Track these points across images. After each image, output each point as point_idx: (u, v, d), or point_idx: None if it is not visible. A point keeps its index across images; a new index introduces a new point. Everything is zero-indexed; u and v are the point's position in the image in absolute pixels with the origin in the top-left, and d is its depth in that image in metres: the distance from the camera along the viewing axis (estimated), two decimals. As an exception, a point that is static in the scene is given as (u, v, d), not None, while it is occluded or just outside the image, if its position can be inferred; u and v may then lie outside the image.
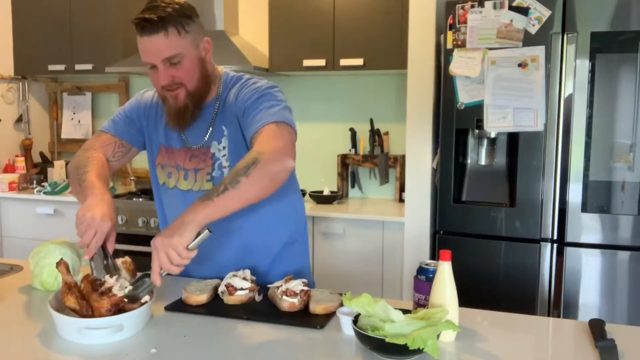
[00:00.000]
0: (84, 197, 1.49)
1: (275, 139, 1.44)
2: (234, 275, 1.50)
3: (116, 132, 1.71)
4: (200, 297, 1.46)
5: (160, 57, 1.48)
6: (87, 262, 1.45)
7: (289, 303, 1.40)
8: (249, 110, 1.54)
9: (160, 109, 1.69)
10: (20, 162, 3.90)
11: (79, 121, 4.17)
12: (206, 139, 1.63)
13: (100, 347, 1.22)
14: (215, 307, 1.45)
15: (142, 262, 1.57)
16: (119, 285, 1.33)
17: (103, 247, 1.43)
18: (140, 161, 4.02)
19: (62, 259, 1.38)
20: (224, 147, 1.61)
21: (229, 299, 1.46)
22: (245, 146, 1.58)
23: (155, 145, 1.72)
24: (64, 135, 4.23)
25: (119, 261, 1.48)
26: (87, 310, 1.29)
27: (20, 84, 4.06)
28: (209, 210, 1.31)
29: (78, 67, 3.73)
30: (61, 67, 3.78)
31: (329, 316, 1.38)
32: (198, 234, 1.30)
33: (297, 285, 1.43)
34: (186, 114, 1.56)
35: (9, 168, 3.88)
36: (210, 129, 1.62)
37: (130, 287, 1.34)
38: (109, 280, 1.35)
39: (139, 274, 1.42)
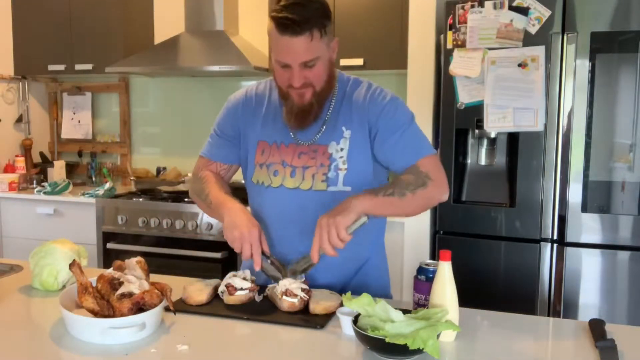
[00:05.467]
0: (220, 216, 1.56)
1: (440, 171, 1.54)
2: (234, 275, 1.50)
3: (211, 155, 1.71)
4: (200, 297, 1.46)
5: (299, 59, 1.42)
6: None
7: (289, 303, 1.40)
8: (395, 133, 1.53)
9: (258, 105, 1.64)
10: (20, 162, 3.90)
11: (79, 121, 4.17)
12: (319, 137, 1.56)
13: (99, 348, 1.22)
14: (215, 307, 1.45)
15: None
16: (138, 285, 1.33)
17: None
18: (140, 162, 4.02)
19: (74, 260, 1.37)
20: (342, 149, 1.54)
21: (229, 299, 1.46)
22: (369, 155, 1.55)
23: (252, 144, 1.64)
24: (64, 135, 4.22)
25: (134, 261, 1.47)
26: (108, 311, 1.28)
27: (20, 84, 4.06)
28: (372, 203, 1.41)
29: (78, 67, 3.73)
30: (61, 67, 3.77)
31: (329, 316, 1.38)
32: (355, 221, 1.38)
33: (297, 285, 1.43)
34: (310, 114, 1.52)
35: (9, 168, 3.88)
36: (324, 127, 1.56)
37: (292, 264, 1.47)
38: (131, 279, 1.35)
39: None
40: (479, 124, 2.54)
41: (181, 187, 3.45)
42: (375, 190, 1.44)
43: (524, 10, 2.44)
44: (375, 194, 1.43)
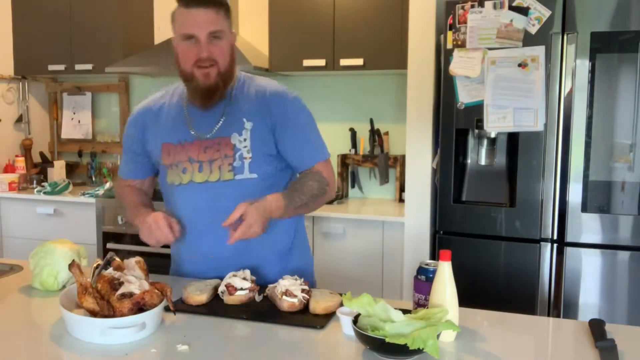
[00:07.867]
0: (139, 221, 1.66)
1: (333, 174, 1.75)
2: (234, 275, 1.50)
3: (122, 174, 1.85)
4: (200, 297, 1.46)
5: (207, 29, 1.55)
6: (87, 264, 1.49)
7: (289, 303, 1.40)
8: (296, 132, 1.67)
9: (158, 112, 1.73)
10: (20, 162, 3.90)
11: (79, 121, 4.17)
12: (216, 129, 1.65)
13: (99, 348, 1.22)
14: (215, 307, 1.45)
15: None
16: (138, 285, 1.33)
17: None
18: (140, 161, 4.01)
19: (74, 260, 1.37)
20: (245, 139, 1.63)
21: (229, 299, 1.46)
22: (272, 146, 1.65)
23: (158, 148, 1.72)
24: (64, 135, 4.23)
25: (133, 261, 1.48)
26: (108, 311, 1.28)
27: (20, 84, 4.06)
28: (287, 213, 1.58)
29: (78, 67, 3.73)
30: (61, 67, 3.77)
31: (329, 316, 1.38)
32: None
33: (297, 285, 1.44)
34: (216, 93, 1.61)
35: (9, 168, 3.88)
36: (222, 120, 1.65)
37: None
38: (131, 279, 1.35)
39: None
40: (479, 124, 2.54)
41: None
42: (289, 198, 1.58)
43: (524, 10, 2.44)
44: (289, 202, 1.57)
